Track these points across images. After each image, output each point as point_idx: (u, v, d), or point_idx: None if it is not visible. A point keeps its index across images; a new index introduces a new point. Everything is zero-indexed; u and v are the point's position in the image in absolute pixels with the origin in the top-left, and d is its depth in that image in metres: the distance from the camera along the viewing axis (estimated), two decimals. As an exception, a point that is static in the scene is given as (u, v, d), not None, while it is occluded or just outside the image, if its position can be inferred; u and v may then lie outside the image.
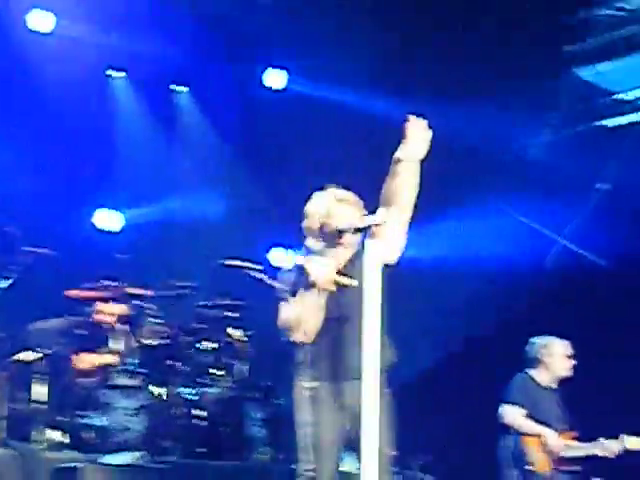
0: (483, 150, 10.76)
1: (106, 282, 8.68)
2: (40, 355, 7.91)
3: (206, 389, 8.78)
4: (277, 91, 11.67)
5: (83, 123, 10.47)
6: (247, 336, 9.12)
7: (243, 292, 9.28)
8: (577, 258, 11.09)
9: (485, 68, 10.33)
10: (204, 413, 8.52)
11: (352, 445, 5.76)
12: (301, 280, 5.69)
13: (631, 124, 10.80)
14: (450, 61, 10.25)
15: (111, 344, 8.69)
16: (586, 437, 8.40)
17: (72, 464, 7.02)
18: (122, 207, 11.08)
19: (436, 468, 9.44)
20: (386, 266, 5.57)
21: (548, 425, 8.24)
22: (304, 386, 5.79)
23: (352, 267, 5.79)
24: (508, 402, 8.27)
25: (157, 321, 8.92)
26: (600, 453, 8.33)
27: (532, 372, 8.44)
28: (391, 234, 5.64)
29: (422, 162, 5.59)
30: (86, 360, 8.61)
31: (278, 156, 11.28)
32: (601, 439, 8.33)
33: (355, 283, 5.63)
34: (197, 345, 8.99)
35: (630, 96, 10.76)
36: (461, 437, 10.54)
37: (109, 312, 8.85)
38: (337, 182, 5.94)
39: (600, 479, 8.91)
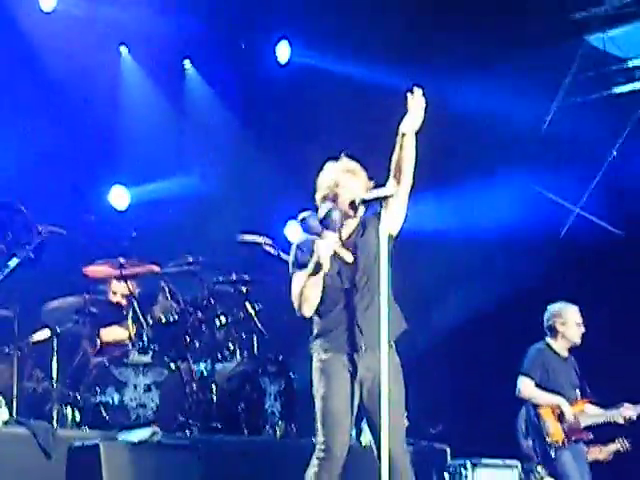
0: (498, 120, 10.71)
1: (121, 259, 8.68)
2: (55, 333, 7.91)
3: (221, 364, 8.78)
4: (284, 65, 11.60)
5: (94, 101, 10.45)
6: (260, 310, 9.11)
7: (257, 267, 9.28)
8: (592, 228, 11.06)
9: (494, 37, 10.26)
10: (219, 388, 8.53)
11: (367, 415, 5.78)
12: (305, 255, 5.70)
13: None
14: (459, 30, 10.17)
15: (126, 321, 8.70)
16: (603, 404, 8.42)
17: (91, 442, 7.02)
18: (134, 184, 11.05)
19: (451, 437, 9.43)
20: (390, 237, 5.62)
21: (565, 394, 8.23)
22: (317, 358, 5.80)
23: (357, 238, 5.80)
24: (523, 373, 8.27)
25: (171, 297, 8.91)
26: (621, 419, 8.34)
27: (550, 341, 8.43)
28: (396, 206, 5.70)
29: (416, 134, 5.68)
30: (101, 337, 8.63)
31: (288, 129, 11.25)
32: (625, 404, 8.36)
33: (351, 258, 5.67)
34: (211, 321, 8.99)
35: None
36: (476, 406, 10.55)
37: (123, 289, 8.87)
38: (349, 154, 5.95)
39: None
